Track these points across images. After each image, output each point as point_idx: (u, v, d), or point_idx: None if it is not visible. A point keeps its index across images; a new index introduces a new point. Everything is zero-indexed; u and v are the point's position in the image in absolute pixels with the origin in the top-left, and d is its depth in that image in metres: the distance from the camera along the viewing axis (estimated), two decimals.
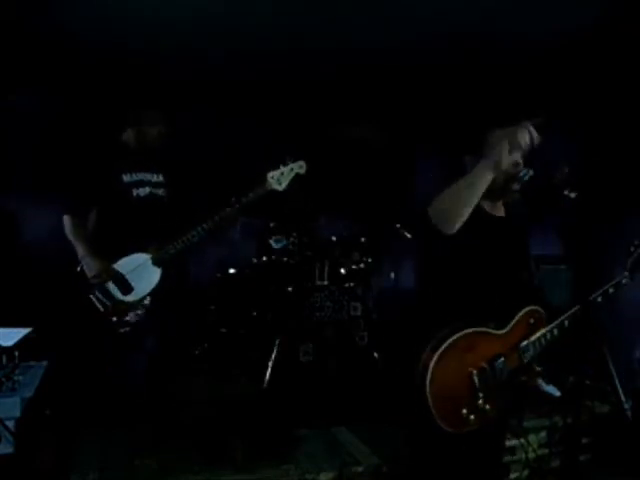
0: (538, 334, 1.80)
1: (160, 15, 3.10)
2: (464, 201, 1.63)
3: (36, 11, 3.04)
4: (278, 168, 2.51)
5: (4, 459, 2.04)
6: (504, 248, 1.84)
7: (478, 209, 1.83)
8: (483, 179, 1.62)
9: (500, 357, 1.73)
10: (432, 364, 1.61)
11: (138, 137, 2.61)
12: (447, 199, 1.66)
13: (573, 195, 1.60)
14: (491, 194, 1.82)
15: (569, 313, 1.82)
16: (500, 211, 1.91)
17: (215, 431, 2.84)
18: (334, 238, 4.16)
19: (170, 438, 2.68)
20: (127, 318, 2.46)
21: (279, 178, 2.50)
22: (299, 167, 2.54)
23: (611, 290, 1.89)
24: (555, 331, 1.83)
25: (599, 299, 1.87)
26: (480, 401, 1.68)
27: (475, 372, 1.68)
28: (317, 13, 3.06)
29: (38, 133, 4.11)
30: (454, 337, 1.66)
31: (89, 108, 4.04)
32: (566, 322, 1.83)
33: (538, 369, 1.83)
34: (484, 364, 1.70)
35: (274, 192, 2.50)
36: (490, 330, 1.74)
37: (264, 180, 2.50)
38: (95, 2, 2.97)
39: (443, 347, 1.64)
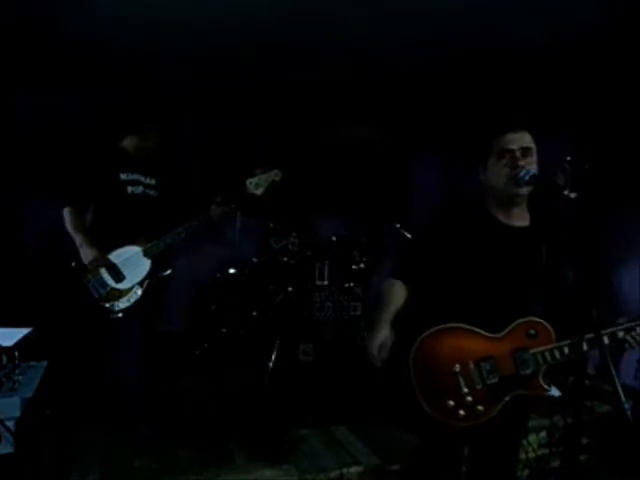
0: (541, 348, 1.75)
1: (159, 21, 3.10)
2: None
3: (38, 13, 3.04)
4: (255, 175, 2.76)
5: (4, 459, 2.03)
6: (515, 257, 1.80)
7: (490, 219, 1.83)
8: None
9: (489, 359, 1.73)
10: (416, 345, 1.71)
11: (136, 145, 2.81)
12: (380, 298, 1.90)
13: (573, 195, 1.59)
14: (501, 203, 1.82)
15: (587, 337, 1.69)
16: (521, 220, 1.84)
17: (215, 431, 2.85)
18: (334, 238, 4.16)
19: (170, 438, 2.69)
20: (119, 304, 2.63)
21: (257, 183, 2.74)
22: (275, 175, 2.78)
23: (620, 334, 1.74)
24: (566, 349, 1.74)
25: (620, 334, 1.74)
26: (468, 398, 1.69)
27: (458, 367, 1.71)
28: (317, 13, 3.06)
29: (41, 132, 4.12)
30: (439, 327, 1.72)
31: (91, 109, 4.06)
32: (585, 345, 1.69)
33: (545, 386, 1.75)
34: (469, 362, 1.72)
35: (254, 196, 2.76)
36: (481, 331, 1.74)
37: (243, 185, 2.74)
38: (95, 6, 2.97)
39: (425, 334, 1.72)
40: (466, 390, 1.70)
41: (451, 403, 1.69)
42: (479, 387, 1.71)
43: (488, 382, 1.72)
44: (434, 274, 1.82)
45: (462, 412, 1.69)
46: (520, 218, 1.85)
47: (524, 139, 1.77)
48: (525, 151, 1.76)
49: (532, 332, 1.76)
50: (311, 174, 4.66)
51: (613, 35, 3.10)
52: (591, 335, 1.66)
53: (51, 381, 2.48)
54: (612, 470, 2.88)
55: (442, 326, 1.73)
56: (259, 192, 2.75)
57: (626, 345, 1.75)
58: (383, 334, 1.78)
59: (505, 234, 1.82)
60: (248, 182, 2.74)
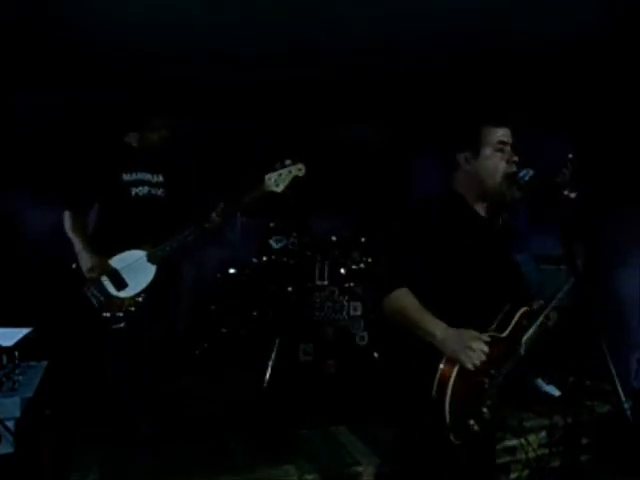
0: (528, 334, 1.78)
1: (160, 18, 3.10)
2: (402, 325, 1.67)
3: (38, 11, 3.04)
4: (275, 170, 2.52)
5: (4, 459, 2.03)
6: (497, 250, 1.82)
7: (473, 214, 1.81)
8: (426, 336, 1.61)
9: (505, 361, 1.71)
10: (452, 379, 1.56)
11: (140, 141, 2.68)
12: (397, 315, 1.67)
13: (573, 195, 1.59)
14: (483, 196, 1.80)
15: (549, 309, 1.82)
16: (484, 211, 1.84)
17: (215, 431, 2.85)
18: (334, 238, 4.16)
19: (170, 438, 2.69)
20: (120, 314, 2.48)
21: (277, 180, 2.50)
22: (298, 170, 2.54)
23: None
24: (542, 321, 1.81)
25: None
26: (485, 409, 1.65)
27: (487, 381, 1.64)
28: (317, 13, 3.06)
29: (40, 132, 4.12)
30: None
31: (91, 108, 4.06)
32: (551, 315, 1.83)
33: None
34: (493, 370, 1.67)
35: (272, 194, 2.52)
36: (497, 334, 1.70)
37: (262, 181, 2.51)
38: (97, 4, 2.97)
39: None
40: (489, 402, 1.64)
41: (471, 422, 1.61)
42: (496, 393, 1.67)
43: (501, 384, 1.69)
44: (427, 277, 1.74)
45: (477, 427, 1.62)
46: (484, 209, 1.84)
47: (510, 136, 1.77)
48: (512, 147, 1.77)
49: (525, 322, 1.78)
50: (311, 174, 4.66)
51: (613, 35, 3.10)
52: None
53: (51, 381, 2.48)
54: (612, 470, 2.87)
55: None
56: (280, 189, 2.50)
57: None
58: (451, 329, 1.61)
59: (484, 226, 1.82)
60: (267, 178, 2.49)
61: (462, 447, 1.64)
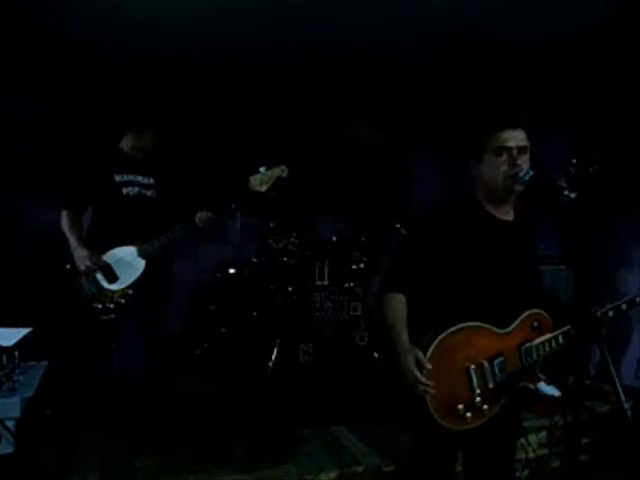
0: (542, 339, 1.78)
1: (151, 16, 3.10)
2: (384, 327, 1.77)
3: (36, 12, 3.05)
4: (259, 172, 2.66)
5: (4, 459, 2.04)
6: (510, 250, 1.81)
7: (484, 213, 1.83)
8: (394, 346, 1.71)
9: (500, 356, 1.72)
10: (428, 354, 1.63)
11: (132, 145, 2.78)
12: (384, 317, 1.78)
13: (573, 195, 1.59)
14: (493, 199, 1.82)
15: (576, 323, 1.80)
16: (508, 215, 1.86)
17: (215, 431, 2.85)
18: (334, 238, 4.16)
19: (170, 438, 2.69)
20: (111, 306, 2.60)
21: (261, 180, 2.64)
22: (281, 171, 2.67)
23: (624, 307, 1.84)
24: (560, 338, 1.80)
25: (610, 313, 1.82)
26: (478, 399, 1.67)
27: (473, 367, 1.68)
28: (317, 14, 3.06)
29: (38, 134, 4.12)
30: (452, 329, 1.67)
31: (89, 110, 4.07)
32: (572, 331, 1.81)
33: (541, 376, 1.80)
34: (483, 360, 1.70)
35: (258, 193, 2.66)
36: (491, 328, 1.73)
37: (247, 182, 2.65)
38: (91, 4, 2.97)
39: (440, 337, 1.66)
40: (478, 390, 1.67)
41: (460, 407, 1.65)
42: (491, 386, 1.70)
43: (498, 379, 1.71)
44: (434, 277, 1.79)
45: (469, 414, 1.66)
46: (507, 212, 1.86)
47: (520, 137, 1.76)
48: (521, 149, 1.75)
49: (536, 324, 1.79)
50: (311, 174, 4.67)
51: (613, 35, 3.10)
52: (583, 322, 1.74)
53: (51, 381, 2.48)
54: (612, 470, 2.88)
55: (453, 328, 1.67)
56: (264, 189, 2.65)
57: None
58: (415, 352, 1.65)
59: (498, 228, 1.83)
60: (252, 178, 2.65)
61: (469, 438, 1.71)
